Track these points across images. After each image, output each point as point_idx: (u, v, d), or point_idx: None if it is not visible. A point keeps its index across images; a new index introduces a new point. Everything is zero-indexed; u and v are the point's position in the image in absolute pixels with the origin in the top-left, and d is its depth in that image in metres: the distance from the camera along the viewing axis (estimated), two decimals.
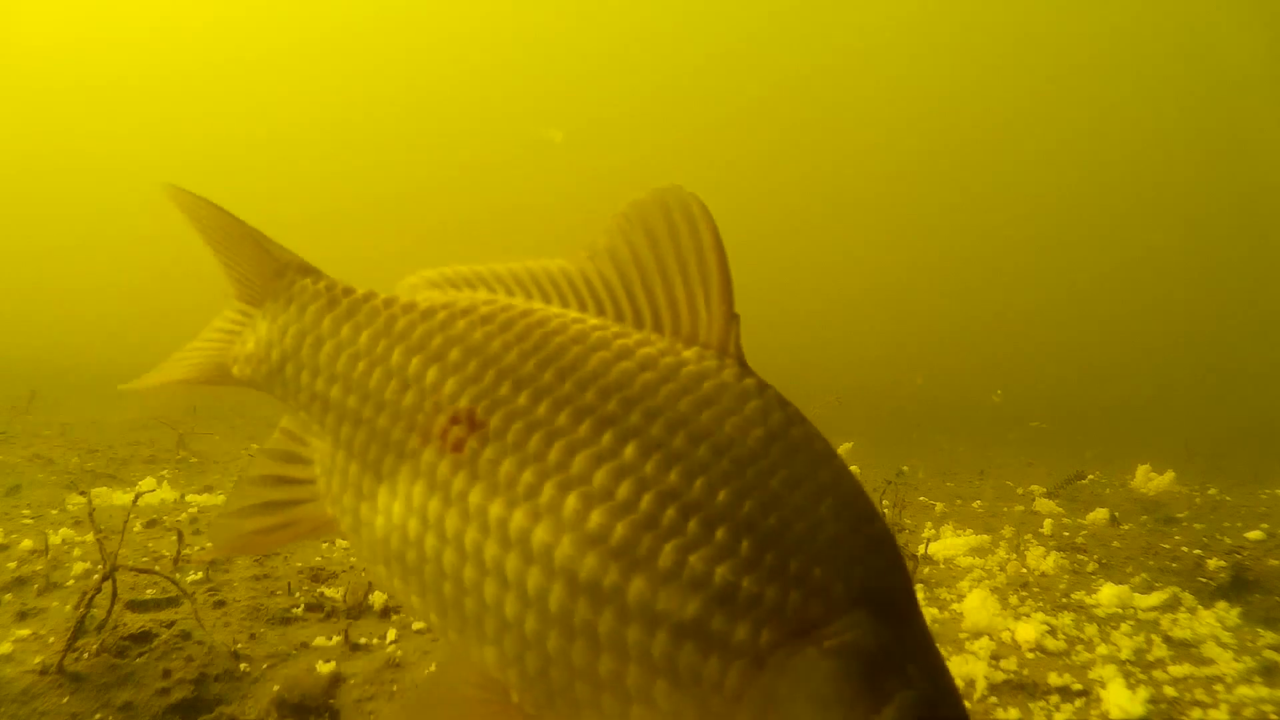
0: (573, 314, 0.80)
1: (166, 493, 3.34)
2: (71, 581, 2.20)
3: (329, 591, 2.17)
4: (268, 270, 0.99)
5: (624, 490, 0.68)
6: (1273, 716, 1.69)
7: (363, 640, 1.89)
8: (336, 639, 1.87)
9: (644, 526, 0.67)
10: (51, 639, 1.77)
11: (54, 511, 3.03)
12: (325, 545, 2.69)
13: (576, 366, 0.75)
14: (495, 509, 0.72)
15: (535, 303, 0.83)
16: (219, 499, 3.32)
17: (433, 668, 1.74)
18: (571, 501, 0.69)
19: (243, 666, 1.73)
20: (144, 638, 1.74)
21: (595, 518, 0.68)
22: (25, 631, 1.84)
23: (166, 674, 1.64)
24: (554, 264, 0.84)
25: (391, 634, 1.93)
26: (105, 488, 3.37)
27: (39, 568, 2.27)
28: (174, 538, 2.41)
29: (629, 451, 0.69)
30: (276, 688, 1.63)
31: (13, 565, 2.30)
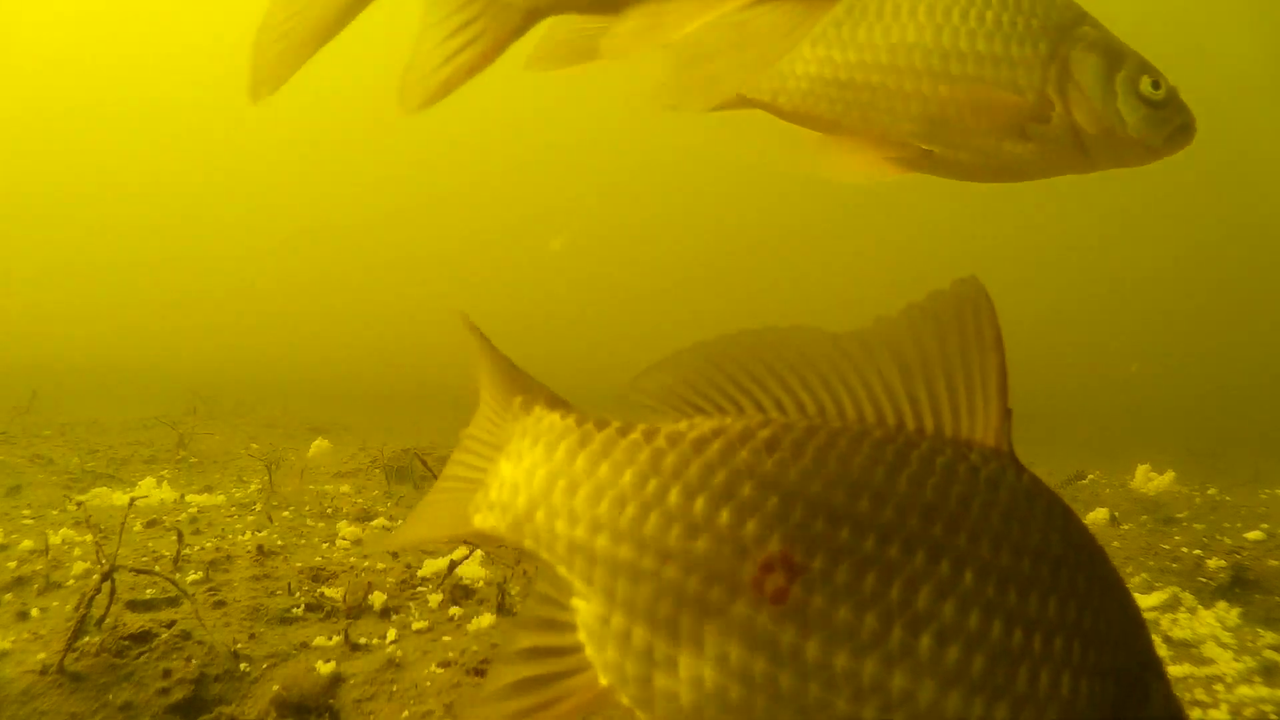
0: (854, 426, 0.75)
1: (166, 493, 3.34)
2: (71, 581, 2.20)
3: (329, 591, 2.17)
4: (515, 405, 0.89)
5: (974, 620, 0.67)
6: (1273, 716, 1.69)
7: (363, 640, 1.89)
8: (336, 639, 1.88)
9: (998, 653, 0.67)
10: (51, 639, 1.77)
11: (54, 512, 3.04)
12: (325, 545, 2.69)
13: (888, 490, 0.71)
14: (840, 660, 0.67)
15: (809, 412, 0.77)
16: (219, 499, 3.32)
17: (432, 667, 1.74)
18: (926, 641, 0.67)
19: (243, 666, 1.73)
20: (144, 637, 1.74)
21: (952, 654, 0.66)
22: (25, 631, 1.84)
23: (166, 674, 1.64)
24: (816, 350, 0.77)
25: (391, 634, 1.93)
26: (105, 488, 3.37)
27: (39, 568, 2.27)
28: (174, 537, 2.41)
29: (968, 578, 0.68)
30: (276, 687, 1.64)
31: (13, 565, 2.30)
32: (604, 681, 0.76)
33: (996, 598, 0.67)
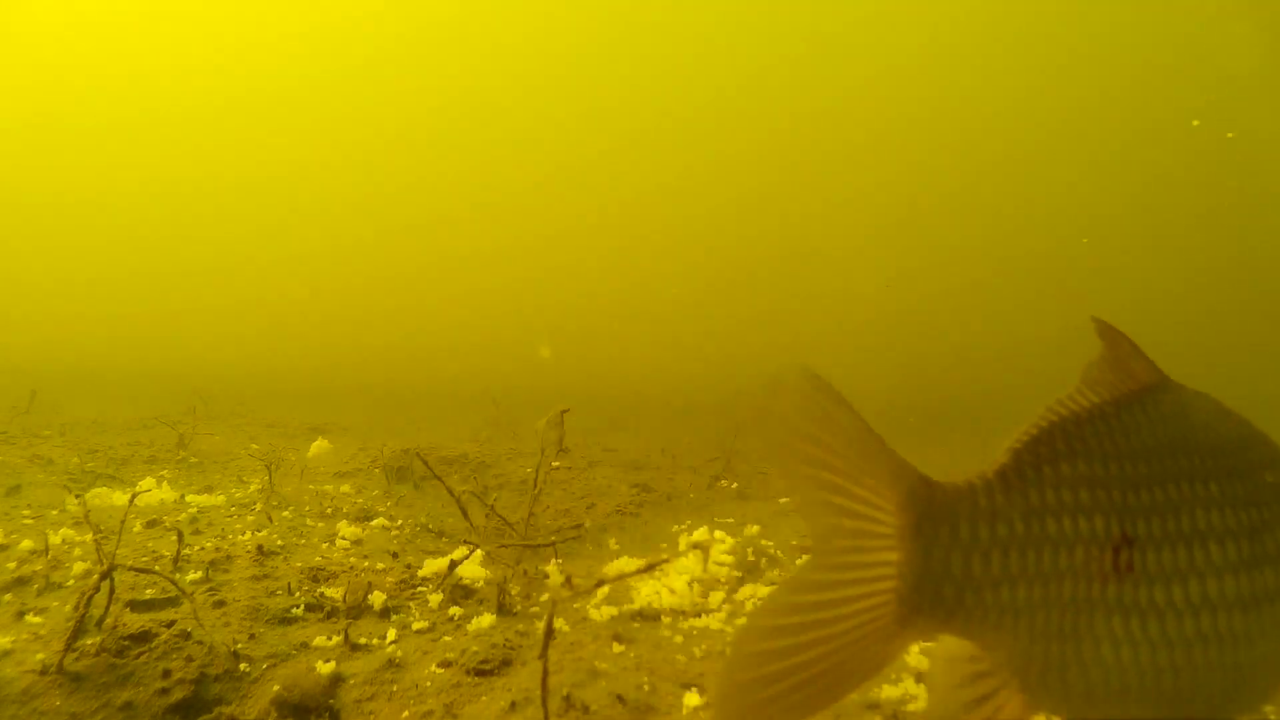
0: (1089, 409, 0.96)
1: (166, 493, 3.34)
2: (71, 581, 2.20)
3: (329, 591, 2.17)
4: (903, 489, 0.87)
5: (1230, 550, 0.88)
6: (1273, 717, 1.69)
7: (363, 640, 1.89)
8: (336, 639, 1.88)
9: (1250, 565, 0.88)
10: (51, 639, 1.77)
11: (54, 512, 3.04)
12: (325, 545, 2.69)
13: (1144, 447, 0.92)
14: (1176, 592, 0.87)
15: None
16: (219, 499, 3.32)
17: (432, 667, 1.74)
18: (1214, 549, 0.88)
19: (243, 666, 1.73)
20: (144, 637, 1.74)
21: (1229, 581, 0.87)
22: (25, 631, 1.84)
23: (166, 674, 1.64)
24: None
25: (391, 634, 1.93)
26: (105, 488, 3.37)
27: (39, 568, 2.27)
28: (174, 537, 2.41)
29: (1214, 516, 0.89)
30: (276, 687, 1.64)
31: (13, 565, 2.30)
32: (1023, 696, 0.88)
33: (1221, 525, 0.89)
